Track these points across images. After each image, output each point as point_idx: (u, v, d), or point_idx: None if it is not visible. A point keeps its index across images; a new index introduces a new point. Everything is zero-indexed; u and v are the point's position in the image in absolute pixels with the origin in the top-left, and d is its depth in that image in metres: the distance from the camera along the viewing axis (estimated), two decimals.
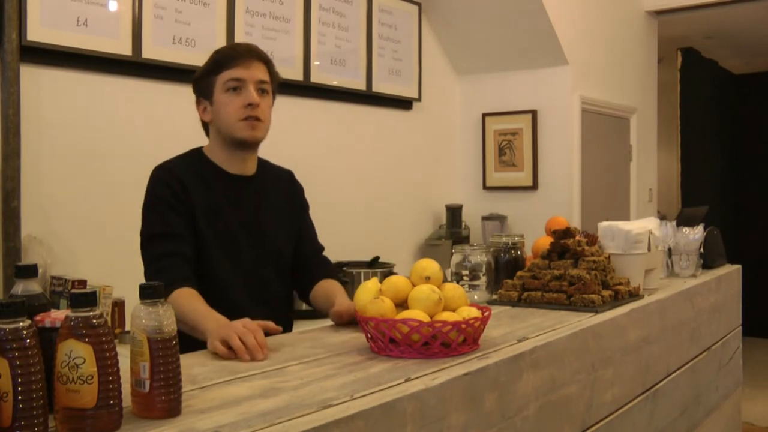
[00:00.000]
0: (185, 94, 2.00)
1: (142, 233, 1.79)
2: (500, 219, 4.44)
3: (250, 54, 1.83)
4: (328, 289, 1.91)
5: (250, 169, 1.90)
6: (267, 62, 1.86)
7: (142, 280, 1.40)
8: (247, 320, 1.45)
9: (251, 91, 1.79)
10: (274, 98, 1.90)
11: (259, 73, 1.82)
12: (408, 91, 4.29)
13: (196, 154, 1.89)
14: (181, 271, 1.69)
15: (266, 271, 1.88)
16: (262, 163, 1.96)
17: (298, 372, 1.26)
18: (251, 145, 1.86)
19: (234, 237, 1.82)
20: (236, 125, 1.80)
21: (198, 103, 1.88)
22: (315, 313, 2.18)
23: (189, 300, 1.60)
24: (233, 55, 1.82)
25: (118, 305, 2.64)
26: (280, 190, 1.97)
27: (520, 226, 4.32)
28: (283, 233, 1.94)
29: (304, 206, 2.04)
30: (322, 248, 2.05)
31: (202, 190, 1.81)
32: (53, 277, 2.56)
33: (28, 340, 0.88)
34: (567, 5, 4.37)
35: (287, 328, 1.88)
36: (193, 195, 1.78)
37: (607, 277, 1.96)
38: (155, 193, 1.78)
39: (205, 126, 1.91)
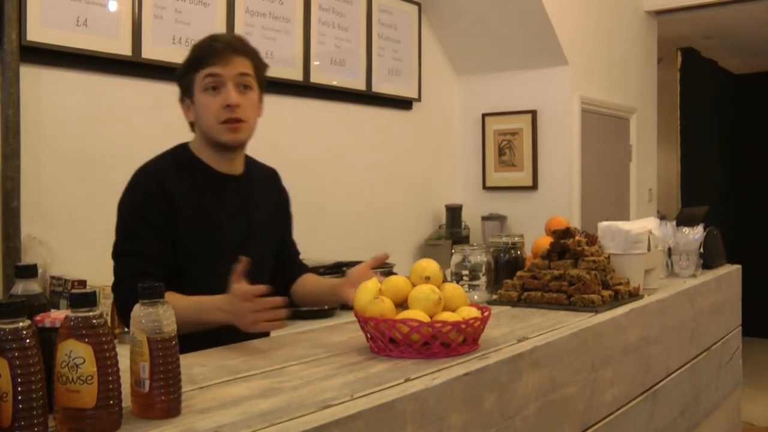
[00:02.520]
0: None
1: (116, 245, 1.71)
2: (500, 219, 4.43)
3: (229, 49, 1.72)
4: (315, 278, 2.00)
5: (237, 168, 1.83)
6: (249, 55, 1.76)
7: None
8: (242, 293, 1.49)
9: (230, 91, 1.70)
10: (262, 92, 1.80)
11: (240, 66, 1.72)
12: (408, 91, 4.29)
13: (182, 150, 1.81)
14: None
15: (252, 270, 1.85)
16: (249, 162, 1.90)
17: (297, 372, 1.26)
18: (234, 148, 1.79)
19: (221, 236, 1.77)
20: (217, 128, 1.72)
21: (182, 101, 1.80)
22: (315, 313, 2.18)
23: (175, 300, 1.54)
24: (211, 51, 1.71)
25: None
26: (267, 190, 1.94)
27: (519, 226, 4.31)
28: (270, 234, 1.91)
29: (289, 205, 2.03)
30: (299, 252, 2.07)
31: (188, 191, 1.73)
32: (53, 277, 2.56)
33: (28, 340, 0.88)
34: (567, 5, 4.37)
35: None
36: (178, 198, 1.71)
37: (607, 277, 1.96)
38: (135, 202, 1.70)
39: (192, 124, 1.84)
